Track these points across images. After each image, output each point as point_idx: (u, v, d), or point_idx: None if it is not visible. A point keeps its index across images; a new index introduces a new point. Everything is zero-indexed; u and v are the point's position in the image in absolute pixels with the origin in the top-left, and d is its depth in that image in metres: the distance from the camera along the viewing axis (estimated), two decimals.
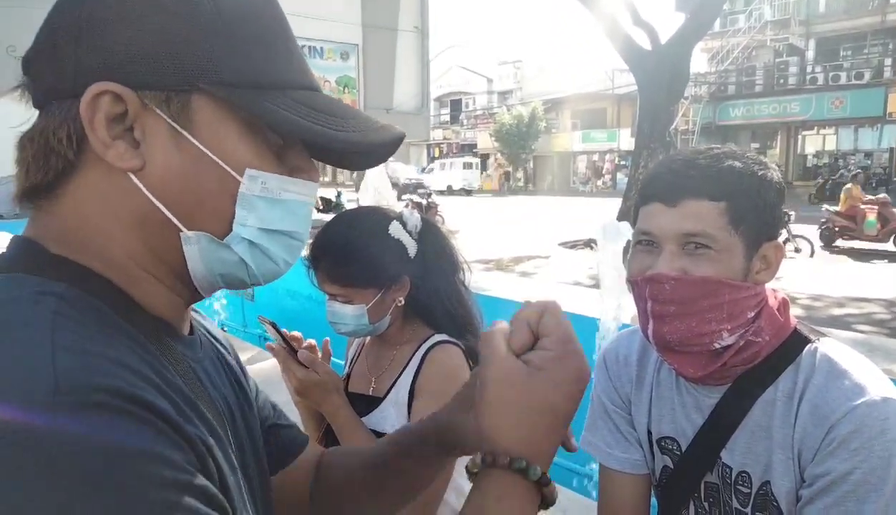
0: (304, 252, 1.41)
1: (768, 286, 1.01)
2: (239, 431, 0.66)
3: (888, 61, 24.96)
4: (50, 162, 0.54)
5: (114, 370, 0.44)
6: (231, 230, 0.57)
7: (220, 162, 0.55)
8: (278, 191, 0.58)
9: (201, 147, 0.54)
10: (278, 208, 0.58)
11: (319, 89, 0.61)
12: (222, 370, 0.70)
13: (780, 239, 1.02)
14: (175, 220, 0.55)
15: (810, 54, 27.15)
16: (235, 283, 0.60)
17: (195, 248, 0.56)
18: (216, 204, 0.56)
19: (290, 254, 0.61)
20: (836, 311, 7.06)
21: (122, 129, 0.53)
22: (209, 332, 0.74)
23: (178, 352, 0.57)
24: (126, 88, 0.52)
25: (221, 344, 0.75)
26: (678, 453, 1.08)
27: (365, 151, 0.60)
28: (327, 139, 0.56)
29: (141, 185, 0.54)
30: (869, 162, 26.20)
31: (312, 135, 0.56)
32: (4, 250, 0.56)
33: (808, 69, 26.64)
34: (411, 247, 1.39)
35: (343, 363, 1.61)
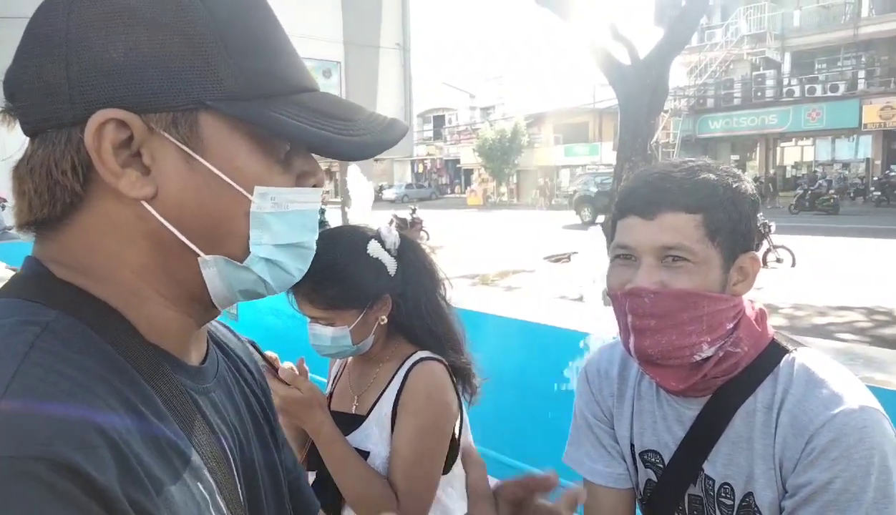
0: None
1: (745, 297, 1.02)
2: (251, 465, 0.63)
3: (862, 74, 25.47)
4: (56, 195, 0.51)
5: (65, 428, 0.40)
6: (248, 250, 0.56)
7: (232, 183, 0.53)
8: (286, 203, 0.57)
9: (213, 169, 0.52)
10: (287, 221, 0.57)
11: (317, 88, 0.59)
12: (240, 398, 0.67)
13: (762, 250, 1.02)
14: (192, 245, 0.54)
15: (786, 67, 27.63)
16: (253, 296, 0.60)
17: (213, 271, 0.55)
18: (232, 225, 0.55)
19: (303, 262, 0.61)
20: (818, 320, 7.13)
21: (129, 156, 0.51)
22: (233, 353, 0.72)
23: (177, 384, 0.54)
24: (131, 114, 0.49)
25: (246, 367, 0.73)
26: (661, 466, 1.08)
27: (377, 153, 0.58)
28: (342, 146, 0.55)
29: (155, 213, 0.52)
30: (846, 172, 26.65)
31: (327, 144, 0.54)
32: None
33: (785, 82, 27.10)
34: (391, 265, 1.38)
35: (325, 381, 1.60)
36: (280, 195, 0.56)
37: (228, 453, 0.58)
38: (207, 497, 0.51)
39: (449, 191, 46.82)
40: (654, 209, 0.96)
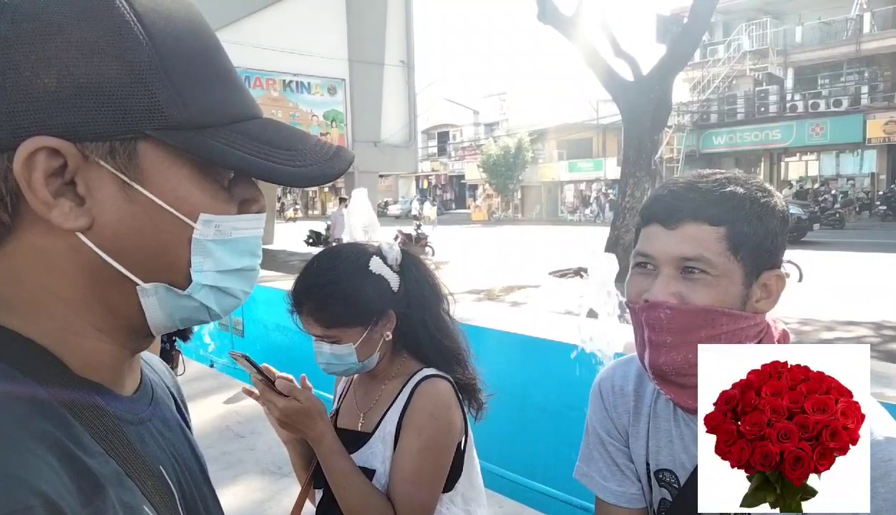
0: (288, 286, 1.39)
1: (769, 316, 0.99)
2: (192, 494, 0.61)
3: (865, 89, 25.52)
4: None
5: None
6: (189, 278, 0.54)
7: (174, 211, 0.51)
8: (230, 231, 0.55)
9: (154, 198, 0.50)
10: (230, 247, 0.56)
11: (261, 114, 0.58)
12: (178, 428, 0.65)
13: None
14: (130, 275, 0.52)
15: (789, 83, 27.73)
16: (195, 322, 0.58)
17: (153, 299, 0.53)
18: (173, 254, 0.53)
19: (247, 284, 0.59)
20: (826, 335, 7.07)
21: (62, 184, 0.48)
22: (163, 384, 0.70)
23: (111, 419, 0.52)
24: (64, 142, 0.46)
25: (174, 400, 0.71)
26: (676, 486, 1.06)
27: (321, 183, 0.57)
28: (285, 177, 0.54)
29: (90, 244, 0.49)
30: (851, 186, 26.62)
31: (272, 175, 0.53)
32: None
33: (788, 97, 27.18)
34: (394, 281, 1.37)
35: (332, 397, 1.59)
36: (224, 222, 0.55)
37: (170, 484, 0.57)
38: None
39: (454, 206, 46.97)
40: (677, 218, 0.94)
